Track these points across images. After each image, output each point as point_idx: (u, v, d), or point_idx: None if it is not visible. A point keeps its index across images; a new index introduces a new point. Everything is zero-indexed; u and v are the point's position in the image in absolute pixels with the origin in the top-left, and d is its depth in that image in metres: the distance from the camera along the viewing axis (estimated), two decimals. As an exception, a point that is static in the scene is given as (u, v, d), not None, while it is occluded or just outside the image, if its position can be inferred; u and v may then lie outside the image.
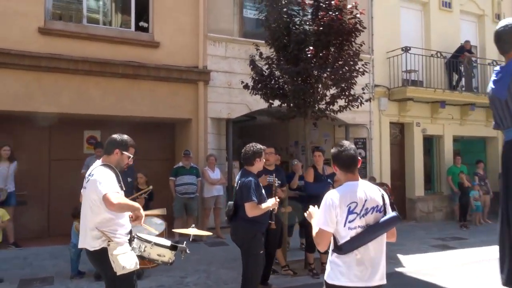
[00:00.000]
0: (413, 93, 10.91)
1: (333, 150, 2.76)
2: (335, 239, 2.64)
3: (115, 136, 3.56)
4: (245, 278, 4.50)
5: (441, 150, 12.29)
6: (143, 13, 8.85)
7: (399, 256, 7.33)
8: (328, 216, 2.57)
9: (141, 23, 8.93)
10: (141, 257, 3.52)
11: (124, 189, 3.54)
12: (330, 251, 2.69)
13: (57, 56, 7.68)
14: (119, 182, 3.42)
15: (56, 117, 8.34)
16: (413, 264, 6.90)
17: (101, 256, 3.27)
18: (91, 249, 3.27)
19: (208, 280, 5.82)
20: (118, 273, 3.22)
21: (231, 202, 4.68)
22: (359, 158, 2.79)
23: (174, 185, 7.99)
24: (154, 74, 8.48)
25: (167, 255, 3.62)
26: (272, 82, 6.99)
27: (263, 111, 9.08)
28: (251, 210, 4.29)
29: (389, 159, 11.27)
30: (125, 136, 3.58)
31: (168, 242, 3.77)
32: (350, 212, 2.57)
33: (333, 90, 7.06)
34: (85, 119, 8.80)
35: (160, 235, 4.31)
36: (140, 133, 9.51)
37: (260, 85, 6.99)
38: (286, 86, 6.83)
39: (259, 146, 4.59)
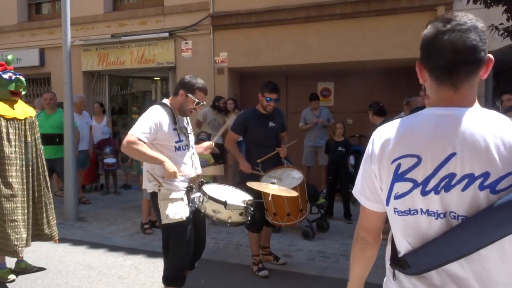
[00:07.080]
0: None
1: (425, 31, 1.23)
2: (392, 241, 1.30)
3: (186, 76, 3.18)
4: None
5: None
6: None
7: None
8: (366, 177, 1.31)
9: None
10: (198, 211, 3.07)
11: (188, 133, 3.13)
12: (387, 258, 1.33)
13: (276, 8, 7.70)
14: (174, 124, 3.03)
15: (287, 70, 8.53)
16: None
17: (153, 201, 3.05)
18: (148, 191, 3.09)
19: (334, 262, 4.39)
20: (162, 222, 2.93)
21: None
22: None
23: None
24: (377, 7, 7.13)
25: (224, 213, 2.98)
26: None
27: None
28: None
29: None
30: (198, 79, 3.15)
31: (233, 199, 3.11)
32: (398, 176, 1.19)
33: None
34: (319, 70, 8.56)
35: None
36: (376, 82, 8.49)
37: None
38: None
39: None
